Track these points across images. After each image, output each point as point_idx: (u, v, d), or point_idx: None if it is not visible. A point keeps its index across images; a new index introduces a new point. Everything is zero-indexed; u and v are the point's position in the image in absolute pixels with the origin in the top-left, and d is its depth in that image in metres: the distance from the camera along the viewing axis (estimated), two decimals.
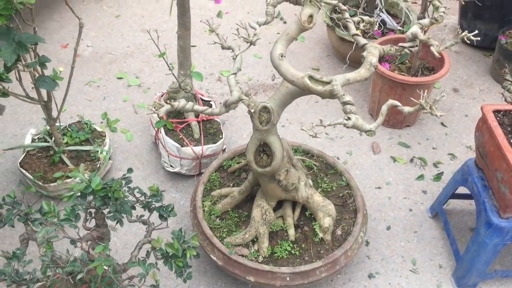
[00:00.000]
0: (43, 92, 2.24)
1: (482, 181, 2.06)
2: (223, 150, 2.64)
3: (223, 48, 1.86)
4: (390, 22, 3.33)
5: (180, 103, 1.68)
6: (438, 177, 2.67)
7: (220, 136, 2.59)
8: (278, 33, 3.68)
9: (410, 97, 2.66)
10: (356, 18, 1.84)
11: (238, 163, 2.38)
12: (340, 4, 1.82)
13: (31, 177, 2.36)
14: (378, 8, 3.40)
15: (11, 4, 1.76)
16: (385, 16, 3.36)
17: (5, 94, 2.06)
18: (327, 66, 3.43)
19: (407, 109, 1.51)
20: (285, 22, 3.84)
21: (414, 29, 1.71)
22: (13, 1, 1.74)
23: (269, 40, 3.60)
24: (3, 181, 2.56)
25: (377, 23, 3.32)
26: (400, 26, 3.32)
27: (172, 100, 2.57)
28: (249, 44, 1.61)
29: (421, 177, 2.67)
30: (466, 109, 3.09)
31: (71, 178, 2.35)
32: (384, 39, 2.89)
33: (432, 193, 2.59)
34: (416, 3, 3.89)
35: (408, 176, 2.69)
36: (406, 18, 3.34)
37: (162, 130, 2.55)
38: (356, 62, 2.27)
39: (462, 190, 2.28)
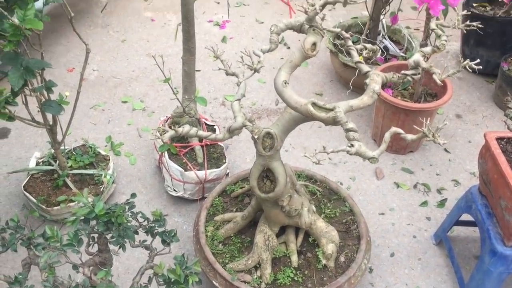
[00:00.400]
0: (49, 116, 2.26)
1: (486, 208, 2.05)
2: (227, 175, 2.64)
3: (227, 74, 1.88)
4: (393, 48, 3.36)
5: (184, 128, 1.70)
6: (442, 203, 2.66)
7: (224, 161, 2.60)
8: (282, 58, 3.73)
9: (413, 123, 2.68)
10: (359, 46, 1.86)
11: (241, 188, 2.38)
12: (343, 32, 1.85)
13: (34, 200, 2.37)
14: (381, 35, 3.44)
15: (19, 30, 1.79)
16: (387, 42, 3.39)
17: (11, 118, 2.08)
18: (330, 91, 3.45)
19: (410, 136, 1.52)
20: (288, 48, 3.89)
21: (416, 57, 1.72)
22: (21, 28, 1.77)
23: (273, 65, 3.64)
24: (6, 204, 2.57)
25: (380, 49, 3.36)
26: (402, 53, 3.35)
27: (176, 126, 2.59)
28: (253, 71, 1.63)
29: (424, 203, 2.66)
30: (470, 135, 3.10)
31: (75, 202, 2.35)
32: (387, 65, 2.92)
33: (436, 220, 2.58)
34: (418, 29, 3.94)
35: (412, 202, 2.68)
36: (409, 44, 3.37)
37: (166, 154, 2.56)
38: (359, 88, 2.29)
39: (466, 217, 2.27)
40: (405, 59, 3.22)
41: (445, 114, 3.24)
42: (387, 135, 1.53)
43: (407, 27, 3.68)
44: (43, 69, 2.05)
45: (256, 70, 1.63)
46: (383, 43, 3.39)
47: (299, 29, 1.78)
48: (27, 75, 1.87)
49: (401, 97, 2.88)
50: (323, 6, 1.63)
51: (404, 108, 2.68)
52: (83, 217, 1.53)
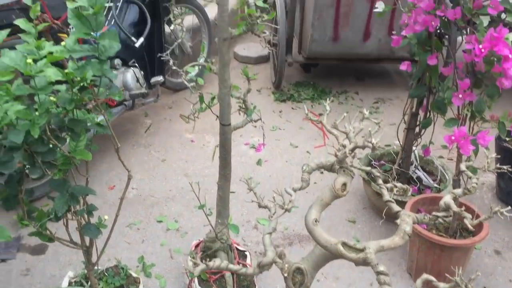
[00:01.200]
0: (86, 237, 2.33)
1: None
2: None
3: (260, 206, 1.94)
4: (426, 179, 3.39)
5: (215, 263, 1.72)
6: None
7: None
8: (315, 182, 3.79)
9: (449, 258, 2.62)
10: (389, 185, 1.91)
11: None
12: (374, 171, 1.92)
13: None
14: (414, 165, 3.49)
15: (70, 160, 1.94)
16: (421, 173, 3.43)
17: (51, 239, 2.16)
18: (363, 219, 3.44)
19: (442, 286, 1.49)
20: (322, 172, 3.96)
21: (447, 199, 1.75)
22: (71, 158, 1.92)
23: (306, 189, 3.67)
24: None
25: (413, 179, 3.38)
26: (436, 184, 3.36)
27: (207, 259, 2.61)
28: (284, 210, 1.68)
29: None
30: (510, 274, 2.96)
31: None
32: (421, 198, 2.92)
33: None
34: (452, 159, 3.96)
35: None
36: (442, 175, 3.39)
37: (196, 280, 2.55)
38: (392, 217, 2.29)
39: None
40: (439, 190, 3.23)
41: (483, 249, 3.14)
42: (418, 283, 1.51)
43: (440, 157, 3.73)
44: (87, 195, 2.16)
45: (287, 210, 1.68)
46: (416, 173, 3.43)
47: (329, 168, 1.86)
48: (71, 201, 1.98)
49: (436, 231, 2.83)
50: (353, 150, 1.72)
51: (439, 244, 2.63)
52: None
